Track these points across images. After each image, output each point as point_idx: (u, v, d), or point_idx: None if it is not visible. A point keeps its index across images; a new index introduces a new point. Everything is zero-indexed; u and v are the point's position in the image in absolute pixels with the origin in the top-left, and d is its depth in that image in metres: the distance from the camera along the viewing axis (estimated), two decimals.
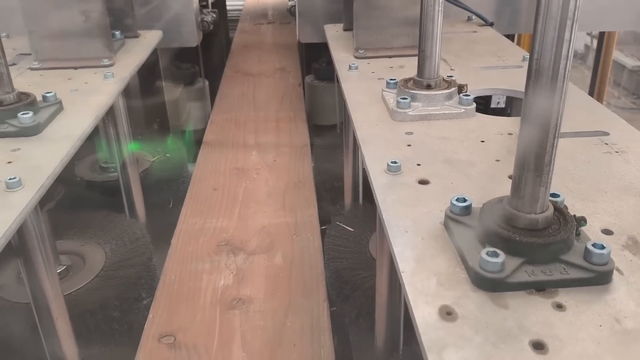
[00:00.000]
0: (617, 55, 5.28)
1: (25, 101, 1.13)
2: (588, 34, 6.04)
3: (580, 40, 6.76)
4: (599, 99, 3.88)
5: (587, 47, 6.86)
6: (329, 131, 2.30)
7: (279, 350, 1.09)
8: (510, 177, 0.84)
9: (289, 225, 1.49)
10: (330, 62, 1.72)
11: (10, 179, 0.87)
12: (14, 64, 1.56)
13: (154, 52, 1.84)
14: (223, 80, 2.68)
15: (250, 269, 1.31)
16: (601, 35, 3.82)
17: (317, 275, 1.29)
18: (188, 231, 1.48)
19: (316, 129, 2.32)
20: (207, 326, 1.15)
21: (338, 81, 1.41)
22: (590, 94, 3.90)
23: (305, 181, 1.73)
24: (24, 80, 1.43)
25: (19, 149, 1.02)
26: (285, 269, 1.31)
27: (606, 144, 0.96)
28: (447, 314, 0.58)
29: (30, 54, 1.55)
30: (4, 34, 1.84)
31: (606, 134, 1.00)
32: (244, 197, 1.63)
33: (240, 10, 4.29)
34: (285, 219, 1.51)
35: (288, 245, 1.40)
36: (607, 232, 0.71)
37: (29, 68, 1.52)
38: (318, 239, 1.44)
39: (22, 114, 1.07)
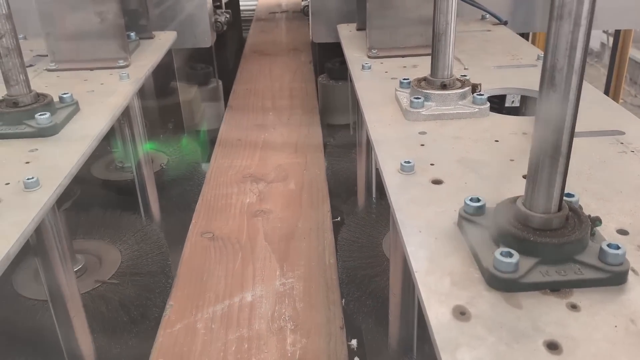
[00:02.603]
0: (633, 53, 5.21)
1: (43, 102, 1.14)
2: (604, 31, 5.98)
3: (596, 38, 6.69)
4: (615, 97, 3.84)
5: (603, 45, 6.79)
6: (342, 130, 2.30)
7: (292, 241, 1.43)
8: (524, 177, 0.83)
9: (300, 164, 1.83)
10: (343, 62, 1.72)
11: (28, 179, 0.89)
12: (31, 66, 1.58)
13: (169, 53, 1.86)
14: (242, 59, 3.02)
15: (269, 192, 1.67)
16: (617, 33, 3.78)
17: (323, 196, 1.65)
18: (219, 168, 1.83)
19: (329, 128, 2.33)
20: (237, 227, 1.50)
21: (351, 81, 1.41)
22: (606, 91, 3.86)
23: (314, 134, 2.07)
24: (41, 82, 1.44)
25: (37, 149, 1.04)
26: (297, 192, 1.67)
27: (622, 143, 0.95)
28: (461, 313, 0.58)
29: (47, 56, 1.57)
30: (21, 36, 1.86)
31: (622, 133, 0.99)
32: (264, 145, 1.98)
33: (253, 10, 4.33)
34: (297, 160, 1.86)
35: (299, 177, 1.75)
36: (622, 232, 0.70)
37: (46, 69, 1.54)
38: (323, 173, 1.79)
39: (40, 115, 1.09)
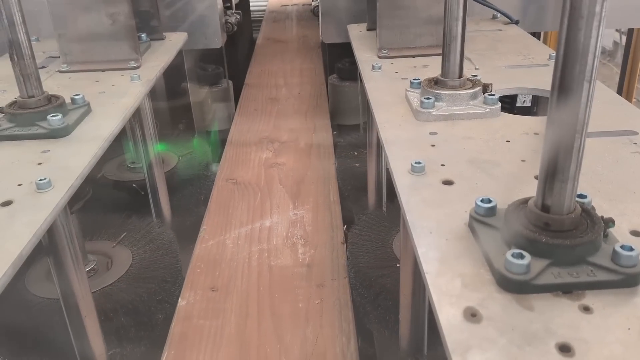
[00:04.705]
0: None
1: (55, 103, 1.15)
2: (617, 30, 5.92)
3: (609, 36, 6.63)
4: (628, 96, 3.80)
5: (616, 43, 6.74)
6: (352, 131, 2.30)
7: (302, 185, 1.70)
8: (536, 177, 0.83)
9: (309, 129, 2.09)
10: (353, 62, 1.72)
11: (40, 179, 0.89)
12: (43, 67, 1.59)
13: (179, 54, 1.86)
14: (257, 45, 3.32)
15: (283, 149, 1.94)
16: (630, 32, 3.75)
17: (329, 153, 1.90)
18: (239, 132, 2.11)
19: (339, 128, 2.33)
20: (256, 175, 1.77)
21: (361, 81, 1.41)
22: (619, 90, 3.83)
23: (322, 105, 2.33)
24: (53, 83, 1.45)
25: (49, 150, 1.04)
26: (306, 149, 1.93)
27: (635, 143, 0.94)
28: (472, 315, 0.58)
29: (59, 57, 1.59)
30: (33, 38, 1.87)
31: (635, 133, 0.98)
32: (277, 114, 2.25)
33: (263, 11, 4.35)
34: (307, 125, 2.13)
35: (309, 138, 2.01)
36: (635, 233, 0.70)
37: (58, 71, 1.55)
38: (330, 135, 2.04)
39: (52, 116, 1.10)
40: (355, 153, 2.02)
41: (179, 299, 1.25)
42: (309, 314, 1.18)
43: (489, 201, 0.71)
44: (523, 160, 0.91)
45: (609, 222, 0.64)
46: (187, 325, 1.17)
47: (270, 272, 1.31)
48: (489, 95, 1.10)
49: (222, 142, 2.11)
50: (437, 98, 1.09)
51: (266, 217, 1.54)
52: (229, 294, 1.25)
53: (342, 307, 1.20)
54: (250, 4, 3.61)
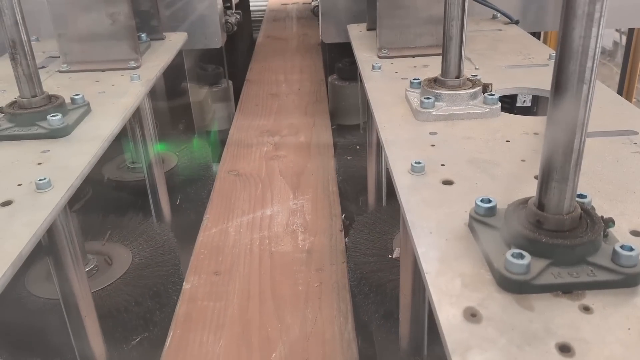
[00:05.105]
0: None
1: (55, 103, 1.15)
2: (617, 30, 5.92)
3: (609, 37, 6.63)
4: (628, 96, 3.80)
5: (616, 43, 6.73)
6: (352, 131, 2.30)
7: (302, 176, 1.75)
8: (535, 177, 0.83)
9: (309, 124, 2.14)
10: (353, 62, 1.72)
11: (40, 179, 0.89)
12: (43, 67, 1.59)
13: (179, 54, 1.86)
14: (257, 43, 3.39)
15: (283, 143, 1.99)
16: (630, 31, 3.74)
17: (328, 147, 1.96)
18: (240, 127, 2.15)
19: (339, 128, 2.33)
20: (257, 167, 1.82)
21: (361, 81, 1.41)
22: (620, 91, 3.83)
23: (321, 100, 2.38)
24: (53, 83, 1.45)
25: (49, 150, 1.04)
26: (306, 143, 1.98)
27: (635, 143, 0.94)
28: (472, 315, 0.58)
29: (59, 57, 1.58)
30: (33, 38, 1.87)
31: (635, 133, 0.98)
32: (278, 109, 2.30)
33: (263, 11, 4.36)
34: (306, 120, 2.17)
35: (308, 133, 2.06)
36: (635, 233, 0.70)
37: (58, 71, 1.55)
38: (329, 129, 2.10)
39: (52, 116, 1.10)
40: (358, 147, 2.05)
41: (184, 283, 1.29)
42: (309, 296, 1.23)
43: (489, 201, 0.71)
44: (523, 160, 0.91)
45: (609, 222, 0.64)
46: (192, 306, 1.21)
47: (271, 258, 1.36)
48: (488, 95, 1.10)
49: (222, 142, 2.11)
50: (437, 98, 1.09)
51: (267, 206, 1.58)
52: (231, 277, 1.30)
53: (340, 290, 1.25)
54: (250, 4, 3.61)
